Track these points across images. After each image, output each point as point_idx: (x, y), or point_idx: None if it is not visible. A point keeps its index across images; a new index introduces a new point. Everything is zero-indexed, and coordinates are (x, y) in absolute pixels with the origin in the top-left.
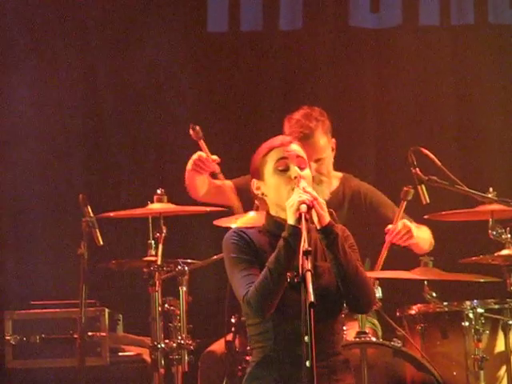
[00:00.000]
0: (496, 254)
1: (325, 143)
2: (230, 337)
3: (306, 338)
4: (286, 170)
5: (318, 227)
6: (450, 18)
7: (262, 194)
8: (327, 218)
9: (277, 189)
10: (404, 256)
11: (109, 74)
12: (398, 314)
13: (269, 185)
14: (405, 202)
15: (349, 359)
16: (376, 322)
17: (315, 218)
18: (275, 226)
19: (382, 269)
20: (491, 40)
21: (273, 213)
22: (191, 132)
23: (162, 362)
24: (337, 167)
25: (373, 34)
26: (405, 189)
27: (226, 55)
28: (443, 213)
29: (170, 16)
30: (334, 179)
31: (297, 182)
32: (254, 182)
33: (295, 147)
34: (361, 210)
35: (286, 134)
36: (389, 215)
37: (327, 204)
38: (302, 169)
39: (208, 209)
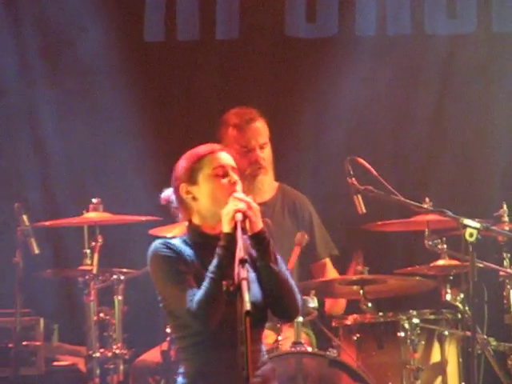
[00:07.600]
0: (432, 265)
1: (266, 130)
2: (165, 346)
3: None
4: (225, 175)
5: (250, 233)
6: (386, 28)
7: (193, 199)
8: (260, 225)
9: (213, 193)
10: (339, 265)
11: (45, 74)
12: (333, 324)
13: (203, 189)
14: (299, 248)
15: (275, 368)
16: (311, 332)
17: (248, 225)
18: (199, 236)
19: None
20: (427, 50)
21: (196, 221)
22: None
23: (97, 371)
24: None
25: (309, 43)
26: (299, 234)
27: (163, 64)
28: (379, 223)
29: (107, 24)
30: (271, 188)
31: (234, 188)
32: (184, 187)
33: (227, 155)
34: (297, 220)
35: (228, 131)
36: (317, 241)
37: (264, 212)
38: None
39: (143, 218)
